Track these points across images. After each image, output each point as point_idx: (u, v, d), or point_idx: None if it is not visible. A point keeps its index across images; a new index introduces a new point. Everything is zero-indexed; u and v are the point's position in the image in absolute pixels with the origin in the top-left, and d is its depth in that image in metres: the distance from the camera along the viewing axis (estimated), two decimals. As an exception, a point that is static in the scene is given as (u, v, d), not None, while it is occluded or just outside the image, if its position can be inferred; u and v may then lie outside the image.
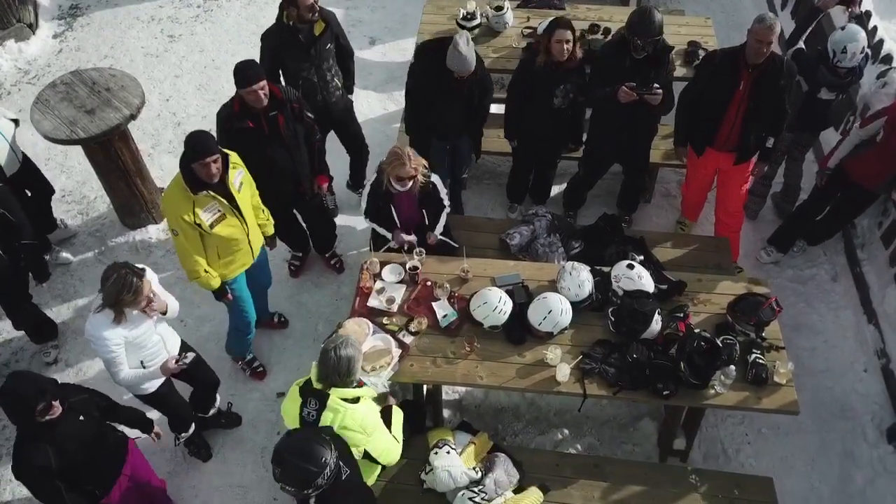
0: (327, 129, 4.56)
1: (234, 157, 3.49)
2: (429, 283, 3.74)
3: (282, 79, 4.25)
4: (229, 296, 3.79)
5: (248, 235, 3.64)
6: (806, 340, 4.28)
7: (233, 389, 4.21)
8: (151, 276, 3.20)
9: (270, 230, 3.93)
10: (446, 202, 4.00)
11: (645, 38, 3.85)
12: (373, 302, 3.66)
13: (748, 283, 3.79)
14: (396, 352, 3.44)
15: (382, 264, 3.82)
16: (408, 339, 3.52)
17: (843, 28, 4.06)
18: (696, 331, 3.45)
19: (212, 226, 3.43)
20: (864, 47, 3.99)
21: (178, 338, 3.51)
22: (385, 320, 3.59)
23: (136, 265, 3.08)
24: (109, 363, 3.19)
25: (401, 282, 3.76)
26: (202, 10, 6.67)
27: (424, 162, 3.80)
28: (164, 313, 3.27)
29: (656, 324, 3.49)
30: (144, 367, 3.29)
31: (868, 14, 4.75)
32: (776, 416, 3.39)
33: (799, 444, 3.94)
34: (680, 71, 4.98)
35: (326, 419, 2.70)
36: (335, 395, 2.72)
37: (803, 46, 4.19)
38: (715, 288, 3.75)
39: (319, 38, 4.17)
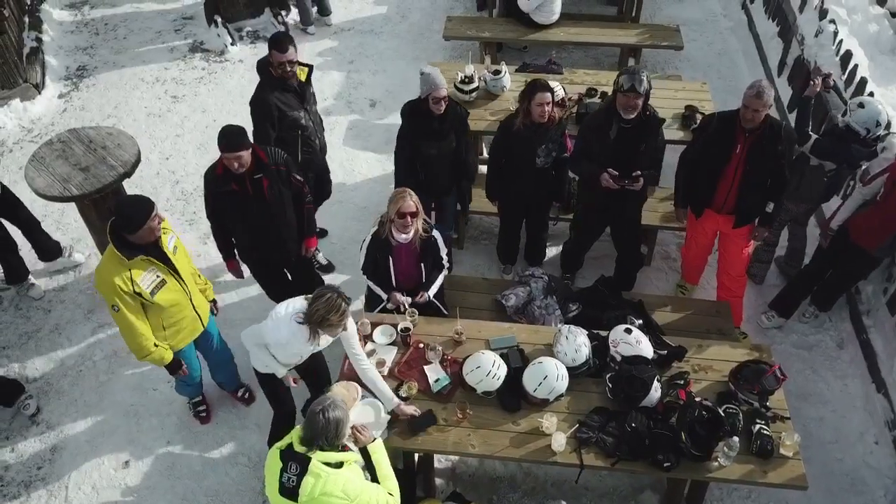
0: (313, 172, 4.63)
1: (164, 222, 3.41)
2: (421, 346, 3.64)
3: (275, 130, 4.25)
4: (184, 369, 3.66)
5: (191, 300, 3.52)
6: (813, 410, 4.13)
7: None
8: None
9: (212, 294, 3.85)
10: (446, 262, 3.94)
11: (632, 95, 3.80)
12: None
13: (751, 350, 3.68)
14: (384, 417, 3.29)
15: (374, 325, 3.72)
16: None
17: (862, 106, 4.11)
18: (698, 399, 3.33)
19: (153, 292, 3.29)
20: (886, 115, 4.11)
21: None
22: (374, 384, 3.47)
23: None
24: (260, 342, 3.27)
25: (392, 343, 3.66)
26: (206, 72, 6.84)
27: (425, 216, 3.78)
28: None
29: (655, 391, 3.37)
30: (276, 359, 3.34)
31: (864, 80, 4.84)
32: (784, 489, 3.20)
33: (809, 517, 3.74)
34: (677, 134, 5.05)
35: (307, 484, 2.56)
36: (317, 458, 2.59)
37: (814, 135, 4.29)
38: (716, 354, 3.65)
39: (306, 83, 4.30)
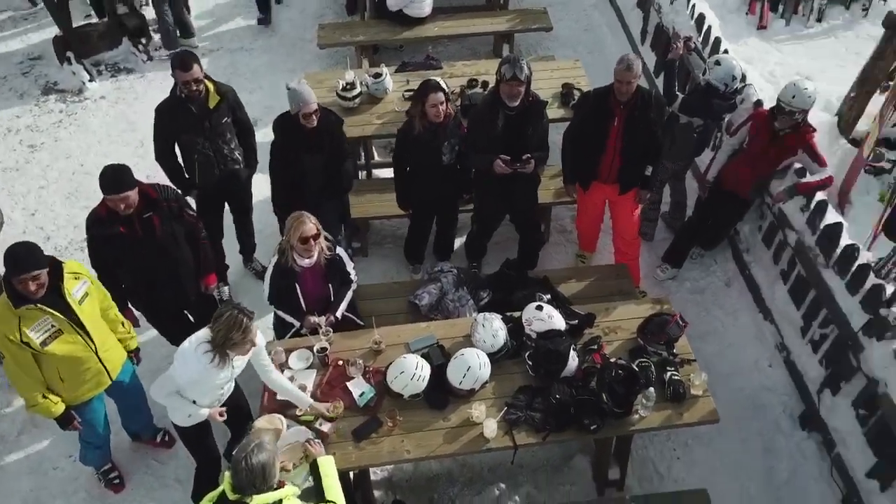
0: (223, 202, 4.53)
1: (74, 266, 3.23)
2: (340, 363, 3.59)
3: (178, 153, 4.17)
4: (76, 423, 3.45)
5: (96, 353, 3.31)
6: (712, 347, 4.43)
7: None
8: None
9: (133, 344, 3.65)
10: (353, 276, 3.90)
11: (514, 83, 3.92)
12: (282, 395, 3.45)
13: (652, 304, 3.91)
14: (320, 448, 3.22)
15: (287, 352, 3.64)
16: (326, 427, 3.33)
17: (718, 63, 4.45)
18: (612, 360, 3.52)
19: (44, 343, 3.10)
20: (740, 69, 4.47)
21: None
22: (298, 411, 3.39)
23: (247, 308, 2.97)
24: (171, 389, 3.14)
25: (310, 367, 3.59)
26: (65, 115, 6.38)
27: (326, 234, 3.72)
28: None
29: (573, 360, 3.52)
30: (195, 403, 3.21)
31: (718, 40, 5.24)
32: (699, 426, 3.45)
33: (724, 450, 4.02)
34: (558, 113, 5.25)
35: None
36: (255, 503, 2.51)
37: (680, 95, 4.62)
38: (622, 314, 3.85)
39: (214, 111, 4.13)
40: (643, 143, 4.21)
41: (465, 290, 4.25)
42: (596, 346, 3.65)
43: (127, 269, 3.58)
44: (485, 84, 5.40)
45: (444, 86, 4.28)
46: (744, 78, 4.80)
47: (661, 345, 3.62)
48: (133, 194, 3.39)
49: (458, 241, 5.10)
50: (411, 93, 5.37)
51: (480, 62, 5.89)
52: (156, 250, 3.59)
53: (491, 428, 3.31)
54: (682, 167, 4.92)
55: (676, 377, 3.48)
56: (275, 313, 3.88)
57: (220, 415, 3.36)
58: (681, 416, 3.39)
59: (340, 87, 5.25)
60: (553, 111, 5.19)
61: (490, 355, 3.54)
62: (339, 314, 3.81)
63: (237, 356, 3.08)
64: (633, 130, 4.14)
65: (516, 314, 3.77)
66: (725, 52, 5.05)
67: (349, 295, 3.89)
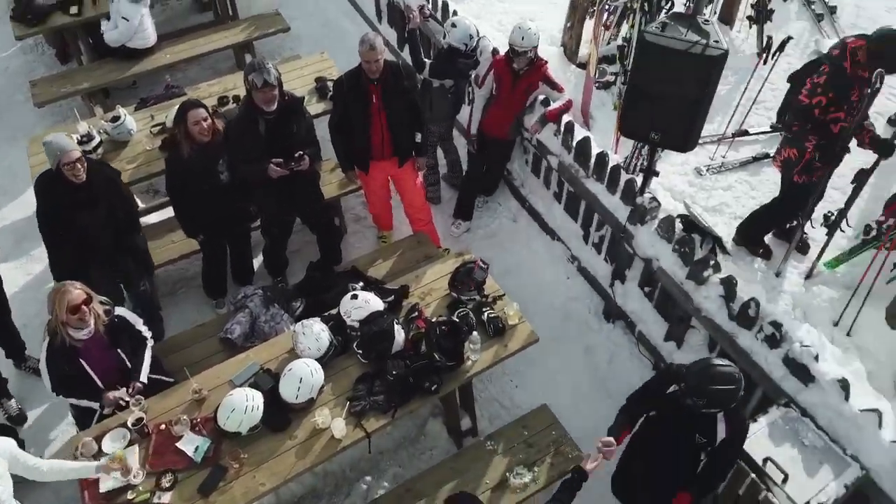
0: None
1: None
2: (163, 427, 3.30)
3: None
4: None
5: None
6: (517, 279, 4.76)
7: None
8: None
9: None
10: (146, 333, 3.59)
11: (267, 89, 3.84)
12: (106, 485, 3.06)
13: (456, 258, 4.11)
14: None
15: (98, 439, 3.24)
16: (166, 499, 3.05)
17: (454, 26, 4.72)
18: (434, 320, 3.64)
19: None
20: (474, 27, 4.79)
21: None
22: (130, 495, 3.06)
23: None
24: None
25: (130, 444, 3.24)
26: None
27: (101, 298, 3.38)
28: None
29: (399, 334, 3.59)
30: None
31: (446, 4, 5.55)
32: (525, 351, 3.70)
33: (551, 363, 4.37)
34: (319, 107, 5.24)
35: None
36: None
37: (427, 61, 4.82)
38: (432, 276, 3.99)
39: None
40: (405, 112, 4.36)
41: (277, 306, 4.12)
42: (416, 314, 3.75)
43: None
44: (237, 98, 5.23)
45: (202, 102, 4.08)
46: (478, 33, 5.17)
47: (472, 291, 3.83)
48: None
49: (258, 262, 4.92)
50: (160, 126, 5.06)
51: (226, 78, 5.67)
52: None
53: (339, 427, 3.27)
54: (447, 128, 5.20)
55: (493, 314, 3.71)
56: (69, 403, 3.45)
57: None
58: (506, 348, 3.63)
59: (76, 141, 4.74)
60: (313, 107, 5.19)
61: (319, 359, 3.48)
62: (143, 378, 3.49)
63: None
64: (393, 103, 4.26)
65: (334, 311, 3.74)
66: (455, 13, 5.38)
67: (148, 354, 3.57)
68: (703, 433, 2.85)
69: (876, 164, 3.89)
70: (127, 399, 3.35)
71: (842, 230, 4.21)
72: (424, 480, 3.42)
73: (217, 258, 4.61)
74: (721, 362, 2.77)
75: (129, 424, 3.26)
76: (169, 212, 4.66)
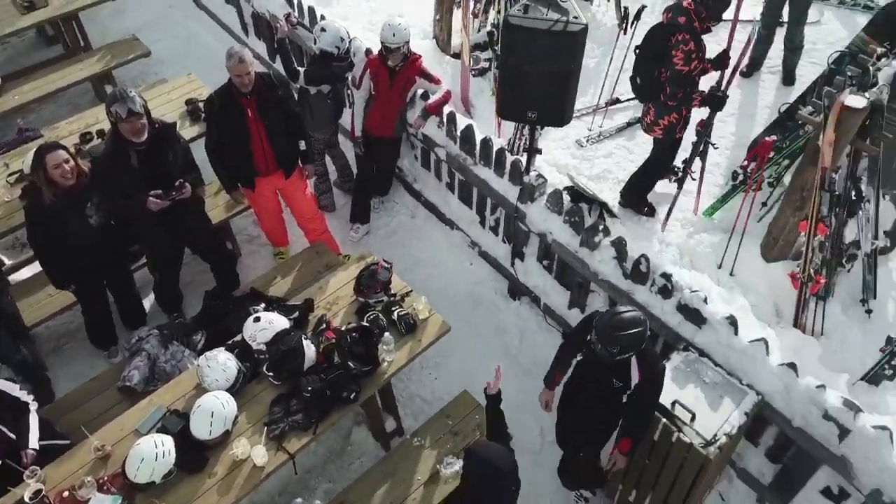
0: None
1: None
2: (66, 494, 3.04)
3: None
4: None
5: None
6: (422, 272, 4.77)
7: None
8: None
9: None
10: (25, 398, 3.28)
11: (133, 119, 3.65)
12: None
13: (358, 262, 4.05)
14: None
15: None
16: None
17: (324, 30, 4.64)
18: (343, 329, 3.58)
19: None
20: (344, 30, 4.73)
21: None
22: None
23: None
24: None
25: (33, 521, 2.97)
26: None
27: None
28: None
29: (309, 349, 3.50)
30: None
31: (312, 9, 5.46)
32: (439, 342, 3.70)
33: (466, 350, 4.40)
34: (193, 130, 5.02)
35: None
36: None
37: (301, 69, 4.68)
38: (336, 285, 3.92)
39: None
40: (284, 122, 4.24)
41: (176, 343, 3.91)
42: (325, 325, 3.66)
43: None
44: (101, 133, 4.92)
45: (62, 144, 3.78)
46: (349, 35, 5.12)
47: (378, 293, 3.79)
48: None
49: (150, 301, 4.66)
50: (16, 175, 4.68)
51: (86, 113, 5.33)
52: None
53: (260, 454, 3.15)
54: (332, 133, 5.11)
55: (403, 312, 3.68)
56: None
57: None
58: (420, 343, 3.62)
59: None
60: (186, 131, 4.97)
61: (229, 389, 3.35)
62: (34, 446, 3.21)
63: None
64: (270, 114, 4.14)
65: (238, 338, 3.60)
66: (323, 17, 5.30)
67: (34, 419, 3.28)
68: (619, 377, 3.10)
69: (711, 116, 4.25)
70: (23, 469, 3.06)
71: (692, 178, 4.58)
72: (356, 490, 3.36)
73: (97, 305, 4.30)
74: (623, 309, 3.02)
75: (27, 500, 2.98)
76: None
